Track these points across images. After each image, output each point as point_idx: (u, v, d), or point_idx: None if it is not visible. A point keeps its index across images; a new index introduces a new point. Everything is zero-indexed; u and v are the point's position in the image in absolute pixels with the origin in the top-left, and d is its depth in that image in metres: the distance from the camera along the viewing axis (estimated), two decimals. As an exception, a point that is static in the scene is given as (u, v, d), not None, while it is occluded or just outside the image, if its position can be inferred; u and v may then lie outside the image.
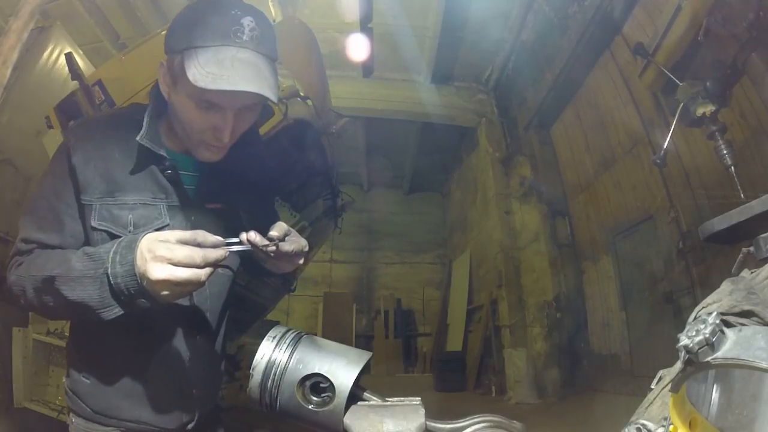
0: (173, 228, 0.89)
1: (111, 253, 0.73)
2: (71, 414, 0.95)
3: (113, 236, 0.86)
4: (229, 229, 0.94)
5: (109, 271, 0.72)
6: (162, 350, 0.93)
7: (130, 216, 0.88)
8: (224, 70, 0.76)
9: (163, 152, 0.89)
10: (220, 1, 0.81)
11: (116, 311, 0.74)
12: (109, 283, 0.72)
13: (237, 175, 0.97)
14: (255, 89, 0.77)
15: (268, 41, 0.82)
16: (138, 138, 0.87)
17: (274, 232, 0.78)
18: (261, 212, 1.04)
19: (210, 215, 0.94)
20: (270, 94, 0.79)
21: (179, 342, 0.93)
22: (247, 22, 0.79)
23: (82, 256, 0.76)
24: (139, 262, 0.70)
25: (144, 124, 0.89)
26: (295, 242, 0.83)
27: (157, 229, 0.88)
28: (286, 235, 0.81)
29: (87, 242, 0.88)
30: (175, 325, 0.93)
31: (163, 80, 0.88)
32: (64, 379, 0.99)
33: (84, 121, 1.12)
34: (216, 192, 0.96)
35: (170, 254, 0.68)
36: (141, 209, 0.88)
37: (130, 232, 0.86)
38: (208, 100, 0.82)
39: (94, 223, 0.86)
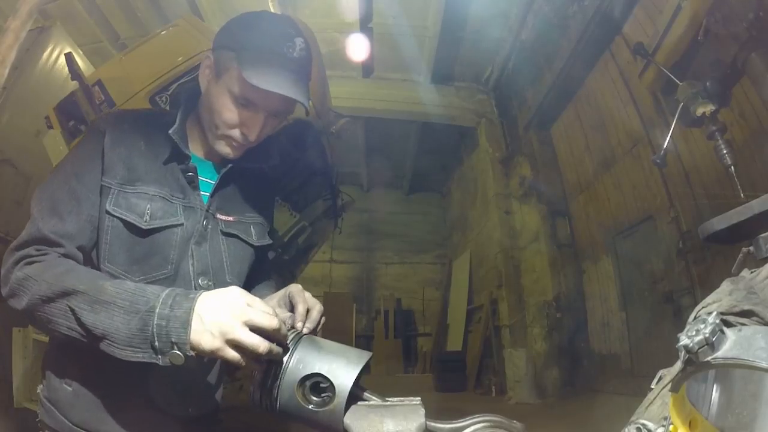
0: (186, 228, 0.90)
1: (163, 295, 0.68)
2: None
3: (127, 224, 0.85)
4: (234, 240, 0.97)
5: (157, 310, 0.66)
6: None
7: (149, 206, 0.87)
8: (274, 74, 0.85)
9: (188, 152, 0.93)
10: (279, 18, 0.93)
11: (140, 356, 0.67)
12: (149, 324, 0.66)
13: (248, 191, 1.02)
14: (297, 97, 0.87)
15: (308, 63, 0.92)
16: (170, 131, 0.91)
17: (314, 317, 0.82)
18: (264, 228, 1.06)
19: (219, 225, 0.96)
20: (306, 103, 0.89)
21: None
22: (299, 42, 0.89)
23: (118, 283, 0.72)
24: (196, 321, 0.65)
25: (177, 120, 0.93)
26: (316, 309, 0.84)
27: (172, 226, 0.88)
28: (309, 308, 0.83)
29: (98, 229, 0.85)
30: None
31: (204, 71, 0.94)
32: (38, 389, 0.89)
33: (116, 111, 1.13)
34: (226, 203, 0.98)
35: (244, 339, 0.64)
36: (160, 202, 0.88)
37: (145, 221, 0.86)
38: (248, 98, 0.88)
39: (109, 208, 0.84)
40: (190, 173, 0.93)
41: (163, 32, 2.71)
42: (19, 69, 3.16)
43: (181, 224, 0.90)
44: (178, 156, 0.92)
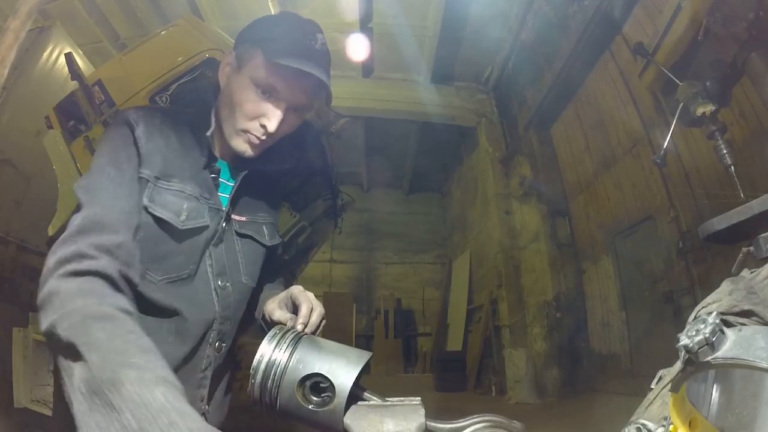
0: (209, 230, 0.89)
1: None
2: None
3: (160, 222, 0.83)
4: (248, 241, 0.98)
5: None
6: (186, 358, 0.87)
7: (186, 205, 0.85)
8: (298, 60, 0.85)
9: (217, 154, 0.93)
10: (299, 17, 0.94)
11: None
12: None
13: (259, 192, 1.03)
14: (322, 77, 0.86)
15: (328, 59, 0.92)
16: (208, 133, 0.91)
17: (314, 320, 0.82)
18: (275, 228, 1.07)
19: (234, 225, 0.97)
20: (328, 85, 0.90)
21: (203, 349, 0.90)
22: (320, 37, 0.90)
23: (149, 380, 0.53)
24: None
25: (212, 122, 0.93)
26: (317, 312, 0.83)
27: (201, 228, 0.87)
28: (311, 310, 0.83)
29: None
30: (199, 333, 0.89)
31: (224, 69, 0.94)
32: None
33: (141, 107, 1.09)
34: (242, 204, 0.99)
35: None
36: (194, 202, 0.87)
37: (182, 221, 0.84)
38: (272, 84, 0.87)
39: (145, 202, 0.82)
40: (214, 175, 0.93)
41: (163, 32, 2.71)
42: (19, 69, 3.16)
43: (207, 226, 0.89)
44: (209, 158, 0.92)
